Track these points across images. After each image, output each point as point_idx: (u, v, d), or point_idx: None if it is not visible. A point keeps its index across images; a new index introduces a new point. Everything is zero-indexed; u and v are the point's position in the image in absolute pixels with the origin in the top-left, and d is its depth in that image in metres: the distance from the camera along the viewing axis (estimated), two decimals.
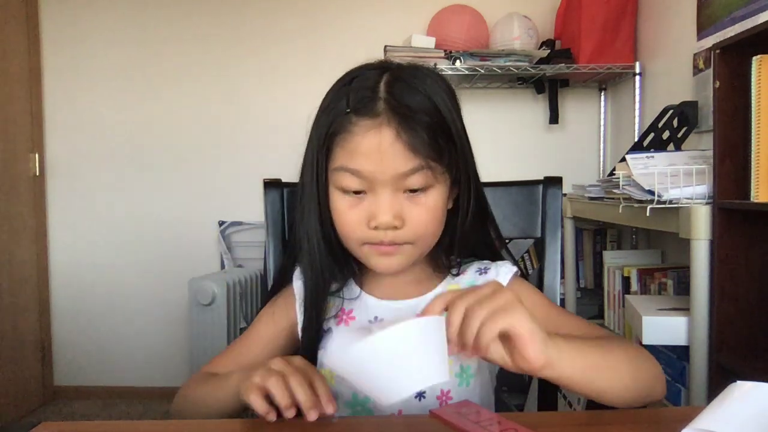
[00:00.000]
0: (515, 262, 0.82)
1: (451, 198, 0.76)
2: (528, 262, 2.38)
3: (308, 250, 0.76)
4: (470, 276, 0.80)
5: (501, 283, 0.58)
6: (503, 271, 0.79)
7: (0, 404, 2.49)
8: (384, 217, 0.69)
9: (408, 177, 0.68)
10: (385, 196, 0.69)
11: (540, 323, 0.58)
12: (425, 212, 0.71)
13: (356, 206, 0.71)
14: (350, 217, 0.71)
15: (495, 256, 0.82)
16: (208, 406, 0.73)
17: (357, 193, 0.70)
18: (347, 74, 0.73)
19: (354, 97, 0.69)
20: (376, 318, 0.77)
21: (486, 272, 0.80)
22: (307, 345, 0.76)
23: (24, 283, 2.69)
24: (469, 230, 0.77)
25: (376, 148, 0.67)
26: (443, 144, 0.70)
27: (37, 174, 2.78)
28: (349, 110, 0.69)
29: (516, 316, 0.55)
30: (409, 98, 0.68)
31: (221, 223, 2.78)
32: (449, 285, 0.80)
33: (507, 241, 0.90)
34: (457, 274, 0.80)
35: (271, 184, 0.97)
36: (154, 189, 2.84)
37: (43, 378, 2.81)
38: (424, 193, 0.71)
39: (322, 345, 0.77)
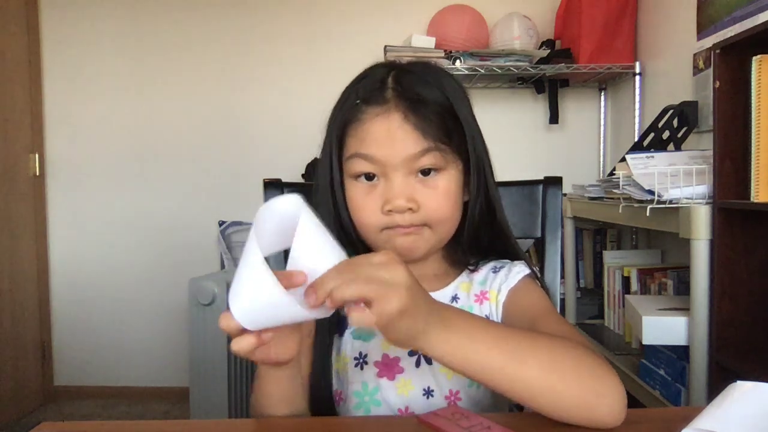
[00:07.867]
0: (528, 263, 0.81)
1: (468, 189, 0.77)
2: None
3: None
4: (484, 273, 0.80)
5: (394, 256, 0.53)
6: (515, 271, 0.78)
7: (0, 404, 2.49)
8: (398, 201, 0.70)
9: (419, 158, 0.70)
10: (397, 180, 0.70)
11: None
12: (438, 195, 0.72)
13: (371, 192, 0.72)
14: (366, 203, 0.72)
15: (516, 257, 0.81)
16: (269, 402, 0.68)
17: (370, 179, 0.72)
18: (359, 74, 0.77)
19: (364, 89, 0.73)
20: None
21: (499, 270, 0.79)
22: (320, 340, 0.74)
23: (24, 283, 2.69)
24: (480, 222, 0.77)
25: (385, 133, 0.70)
26: (452, 126, 0.72)
27: (37, 174, 2.78)
28: (358, 101, 0.72)
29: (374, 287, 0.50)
30: (416, 86, 0.71)
31: (221, 223, 2.78)
32: (462, 282, 0.80)
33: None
34: (474, 271, 0.80)
35: (271, 184, 0.97)
36: (154, 189, 2.84)
37: (43, 378, 2.81)
38: (435, 175, 0.72)
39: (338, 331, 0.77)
